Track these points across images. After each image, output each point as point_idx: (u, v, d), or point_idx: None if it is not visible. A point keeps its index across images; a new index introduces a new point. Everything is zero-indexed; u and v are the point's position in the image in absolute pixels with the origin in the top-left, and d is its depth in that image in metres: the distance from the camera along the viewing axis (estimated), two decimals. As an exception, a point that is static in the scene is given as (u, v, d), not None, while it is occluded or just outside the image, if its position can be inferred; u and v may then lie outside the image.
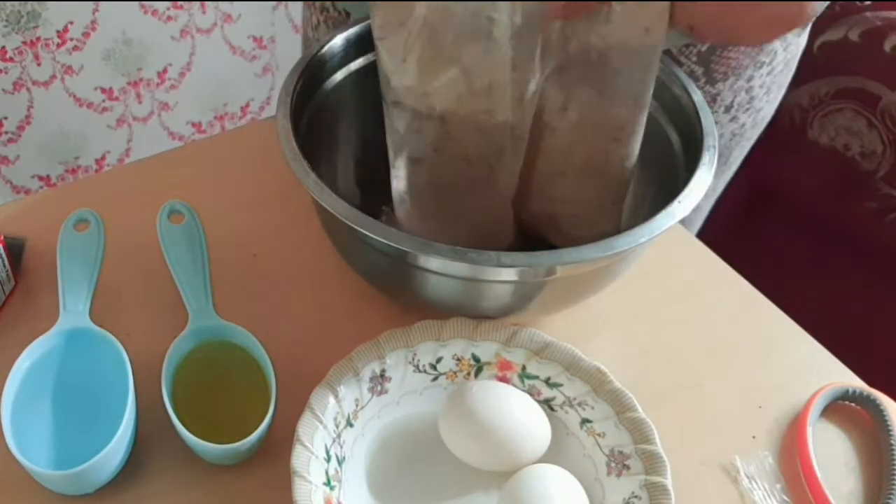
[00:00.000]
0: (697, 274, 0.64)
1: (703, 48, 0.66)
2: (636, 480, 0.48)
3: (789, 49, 0.72)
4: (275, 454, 0.50)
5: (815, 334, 0.60)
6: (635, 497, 0.47)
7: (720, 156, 0.53)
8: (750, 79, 0.70)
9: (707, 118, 0.55)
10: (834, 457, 0.53)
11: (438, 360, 0.53)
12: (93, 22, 1.43)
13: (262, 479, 0.50)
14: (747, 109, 0.74)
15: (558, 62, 0.50)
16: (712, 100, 0.70)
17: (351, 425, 0.50)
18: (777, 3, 0.46)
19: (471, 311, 0.53)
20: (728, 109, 0.72)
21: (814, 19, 0.51)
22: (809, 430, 0.53)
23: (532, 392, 0.52)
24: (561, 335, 0.53)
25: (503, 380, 0.53)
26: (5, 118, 1.46)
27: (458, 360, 0.53)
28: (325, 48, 0.59)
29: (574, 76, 0.51)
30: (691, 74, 0.67)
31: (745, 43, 0.64)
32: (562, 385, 0.52)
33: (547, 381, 0.52)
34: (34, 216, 0.64)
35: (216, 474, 0.50)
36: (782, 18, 0.47)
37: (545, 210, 0.56)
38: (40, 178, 1.58)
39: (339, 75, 0.61)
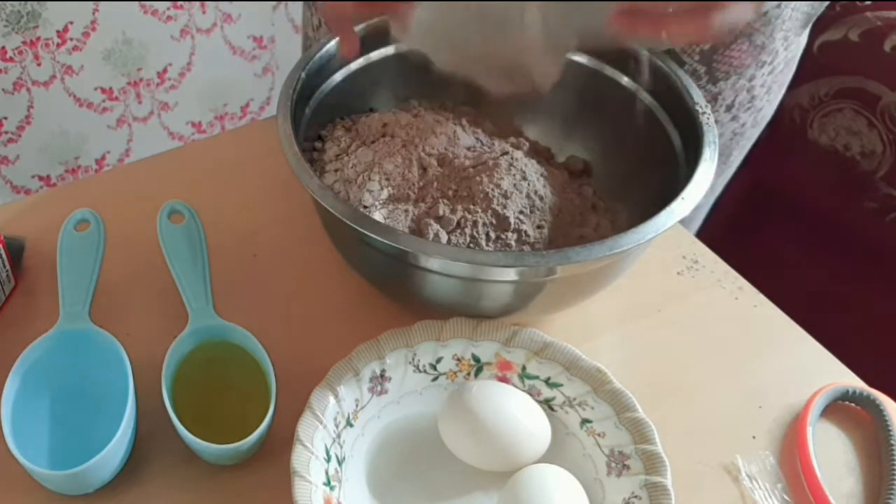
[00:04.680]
0: (697, 274, 0.64)
1: (706, 47, 0.66)
2: (636, 480, 0.48)
3: (790, 48, 0.72)
4: (275, 454, 0.50)
5: (815, 334, 0.60)
6: (635, 497, 0.47)
7: (720, 155, 0.53)
8: (751, 78, 0.70)
9: (707, 115, 0.55)
10: (834, 457, 0.53)
11: (438, 360, 0.53)
12: (93, 22, 1.43)
13: (262, 479, 0.50)
14: (748, 108, 0.74)
15: None
16: (713, 99, 0.70)
17: (351, 425, 0.50)
18: None
19: (471, 311, 0.53)
20: (729, 108, 0.72)
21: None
22: (809, 430, 0.53)
23: (532, 392, 0.52)
24: (561, 335, 0.53)
25: (503, 380, 0.53)
26: (5, 118, 1.46)
27: (458, 360, 0.53)
28: (325, 48, 0.59)
29: None
30: (693, 73, 0.67)
31: None
32: (562, 385, 0.52)
33: (547, 381, 0.52)
34: (34, 216, 0.64)
35: (216, 474, 0.50)
36: None
37: None
38: (40, 178, 1.58)
39: (338, 76, 0.61)
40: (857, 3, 1.05)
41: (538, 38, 0.49)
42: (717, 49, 0.67)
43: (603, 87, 0.62)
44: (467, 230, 0.54)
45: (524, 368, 0.53)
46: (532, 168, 0.58)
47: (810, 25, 0.72)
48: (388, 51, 0.62)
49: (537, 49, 0.50)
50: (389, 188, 0.56)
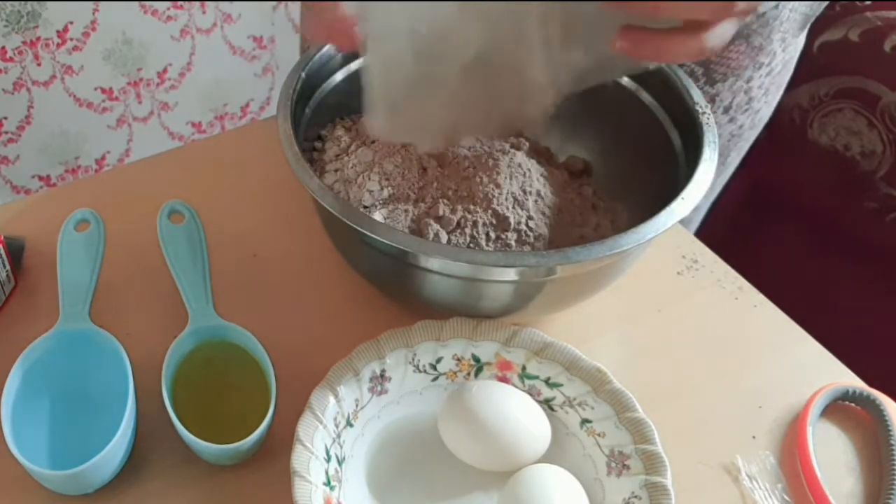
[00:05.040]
0: (697, 273, 0.64)
1: None
2: (636, 480, 0.48)
3: (788, 50, 0.72)
4: (275, 454, 0.50)
5: (815, 334, 0.60)
6: (635, 497, 0.47)
7: (718, 156, 0.54)
8: (749, 80, 0.71)
9: (707, 115, 0.55)
10: (834, 457, 0.53)
11: (438, 360, 0.53)
12: (93, 22, 1.43)
13: (262, 479, 0.50)
14: (746, 110, 0.74)
15: None
16: (711, 100, 0.70)
17: (351, 425, 0.50)
18: None
19: (471, 311, 0.53)
20: (727, 110, 0.72)
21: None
22: (809, 430, 0.53)
23: (532, 392, 0.52)
24: (561, 335, 0.53)
25: (503, 380, 0.53)
26: (5, 118, 1.46)
27: (458, 360, 0.53)
28: (325, 49, 0.59)
29: None
30: (691, 75, 0.67)
31: None
32: (562, 385, 0.52)
33: (547, 381, 0.52)
34: (34, 216, 0.64)
35: (216, 474, 0.50)
36: None
37: None
38: (40, 178, 1.58)
39: (338, 76, 0.61)
40: (857, 3, 1.05)
41: (540, 73, 0.48)
42: None
43: (603, 87, 0.62)
44: (467, 230, 0.54)
45: (524, 368, 0.53)
46: (532, 168, 0.58)
47: (808, 27, 0.72)
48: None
49: (536, 87, 0.49)
50: (389, 188, 0.56)
